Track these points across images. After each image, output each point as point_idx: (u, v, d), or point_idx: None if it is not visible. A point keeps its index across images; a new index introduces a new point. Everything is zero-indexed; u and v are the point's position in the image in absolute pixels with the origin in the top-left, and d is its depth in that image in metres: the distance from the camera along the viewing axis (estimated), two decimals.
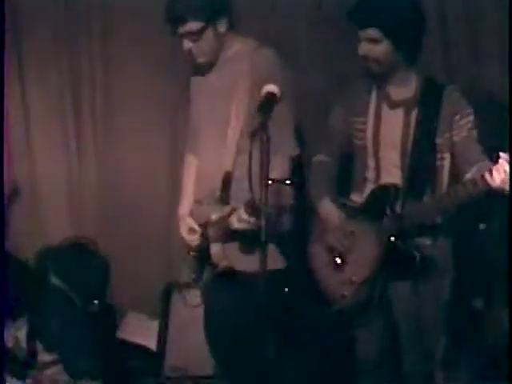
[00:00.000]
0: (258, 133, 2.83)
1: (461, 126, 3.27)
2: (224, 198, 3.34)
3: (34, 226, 4.73)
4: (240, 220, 3.18)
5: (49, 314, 4.15)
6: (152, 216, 4.66)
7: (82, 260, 4.49)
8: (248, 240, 3.25)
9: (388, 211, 3.29)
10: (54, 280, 4.29)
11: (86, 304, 4.38)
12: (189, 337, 4.26)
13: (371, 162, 3.40)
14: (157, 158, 4.69)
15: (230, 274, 3.38)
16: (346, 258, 3.39)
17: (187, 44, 3.35)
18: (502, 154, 2.99)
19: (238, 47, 3.41)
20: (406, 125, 3.32)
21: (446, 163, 3.35)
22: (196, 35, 3.32)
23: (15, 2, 4.64)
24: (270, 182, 2.83)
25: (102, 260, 4.54)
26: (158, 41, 4.38)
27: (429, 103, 3.29)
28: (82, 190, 4.79)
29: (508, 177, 2.98)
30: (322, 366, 3.94)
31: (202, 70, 3.47)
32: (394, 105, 3.35)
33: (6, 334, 3.97)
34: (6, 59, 4.52)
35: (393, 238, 3.25)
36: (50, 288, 4.27)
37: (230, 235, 3.31)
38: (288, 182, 3.14)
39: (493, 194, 3.05)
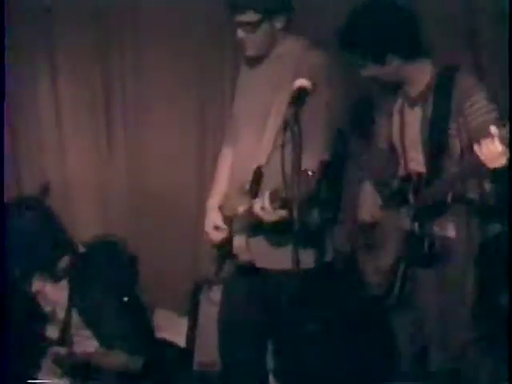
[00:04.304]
0: (289, 125, 2.86)
1: (474, 111, 3.24)
2: (253, 191, 3.33)
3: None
4: (262, 208, 3.13)
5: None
6: (180, 214, 4.71)
7: (110, 258, 4.52)
8: (275, 234, 3.28)
9: (411, 198, 3.34)
10: None
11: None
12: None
13: (401, 161, 3.48)
14: (185, 158, 4.76)
15: (250, 269, 3.41)
16: (377, 246, 3.45)
17: (241, 33, 3.37)
18: (492, 128, 2.90)
19: (290, 45, 3.42)
20: (424, 120, 3.35)
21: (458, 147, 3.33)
22: (252, 26, 3.33)
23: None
24: (310, 172, 2.87)
25: (130, 257, 4.57)
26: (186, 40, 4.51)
27: (441, 94, 3.30)
28: (111, 189, 4.86)
29: (498, 153, 2.89)
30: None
31: (252, 63, 3.49)
32: (413, 102, 3.40)
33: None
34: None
35: (414, 225, 3.29)
36: None
37: (255, 229, 3.32)
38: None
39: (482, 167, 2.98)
